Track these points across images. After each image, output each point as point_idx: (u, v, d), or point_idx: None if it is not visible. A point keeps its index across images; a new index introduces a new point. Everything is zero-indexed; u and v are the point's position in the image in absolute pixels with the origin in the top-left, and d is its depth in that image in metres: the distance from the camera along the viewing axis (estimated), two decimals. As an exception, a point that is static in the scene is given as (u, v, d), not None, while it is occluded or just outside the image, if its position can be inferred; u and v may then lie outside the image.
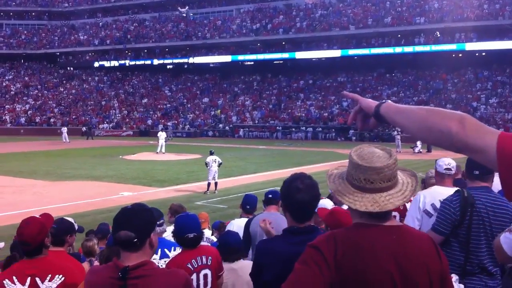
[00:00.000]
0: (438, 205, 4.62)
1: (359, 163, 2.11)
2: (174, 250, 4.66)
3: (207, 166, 20.83)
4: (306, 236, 3.03)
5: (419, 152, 37.06)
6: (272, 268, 3.08)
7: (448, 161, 5.15)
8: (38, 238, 3.81)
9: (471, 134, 1.63)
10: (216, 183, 20.77)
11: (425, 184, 6.52)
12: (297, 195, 3.10)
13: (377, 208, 2.07)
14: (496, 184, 4.21)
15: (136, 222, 2.67)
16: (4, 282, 3.73)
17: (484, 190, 4.22)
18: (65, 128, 52.53)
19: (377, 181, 2.10)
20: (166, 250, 4.61)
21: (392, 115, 1.94)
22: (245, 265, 4.96)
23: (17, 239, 3.88)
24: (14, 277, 3.75)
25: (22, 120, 63.39)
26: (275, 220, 5.56)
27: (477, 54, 53.77)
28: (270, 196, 5.80)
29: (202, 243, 4.59)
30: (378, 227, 2.10)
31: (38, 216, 4.04)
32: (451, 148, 1.70)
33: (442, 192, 4.86)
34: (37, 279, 3.72)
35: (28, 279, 3.74)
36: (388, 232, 2.09)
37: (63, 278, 3.75)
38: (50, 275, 3.72)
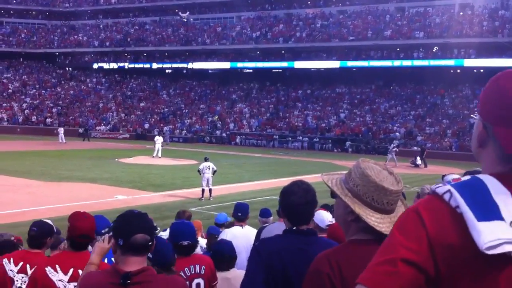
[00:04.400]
0: None
1: (385, 186, 2.15)
2: None
3: (199, 173, 20.79)
4: (306, 237, 3.07)
5: (418, 166, 37.15)
6: (279, 271, 3.05)
7: (453, 177, 5.19)
8: (93, 232, 3.99)
9: None
10: (210, 190, 20.72)
11: (420, 199, 6.56)
12: (291, 197, 3.13)
13: None
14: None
15: (147, 225, 2.74)
16: (47, 269, 3.84)
17: None
18: (62, 128, 52.33)
19: (395, 203, 2.16)
20: (113, 259, 4.52)
21: None
22: (238, 275, 4.96)
23: (76, 232, 3.91)
24: (57, 266, 3.85)
25: (19, 119, 63.24)
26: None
27: (475, 71, 53.90)
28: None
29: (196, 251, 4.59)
30: (376, 242, 2.13)
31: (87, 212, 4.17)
32: None
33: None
34: (80, 271, 3.78)
35: (71, 270, 3.85)
36: None
37: (85, 274, 3.84)
38: None
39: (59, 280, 3.82)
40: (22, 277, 4.36)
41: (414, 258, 1.36)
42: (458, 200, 1.36)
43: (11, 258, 4.47)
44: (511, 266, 1.31)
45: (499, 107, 1.43)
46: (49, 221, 4.74)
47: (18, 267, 4.40)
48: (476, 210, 1.33)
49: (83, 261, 3.75)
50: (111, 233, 3.60)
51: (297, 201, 3.12)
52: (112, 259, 4.38)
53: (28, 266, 4.35)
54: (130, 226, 2.71)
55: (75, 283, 3.79)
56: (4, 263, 4.44)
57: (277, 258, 3.01)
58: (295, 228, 3.15)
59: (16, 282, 4.39)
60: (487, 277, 1.33)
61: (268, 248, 3.13)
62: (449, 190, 1.40)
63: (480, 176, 1.42)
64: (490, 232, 1.29)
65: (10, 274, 4.40)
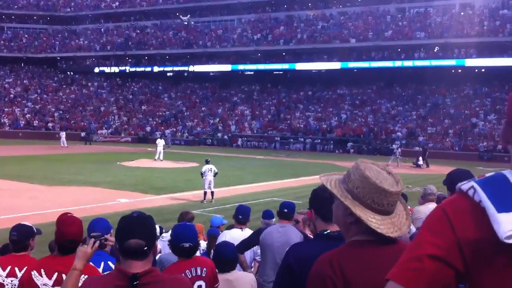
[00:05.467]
0: None
1: (385, 187, 2.14)
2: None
3: (202, 176, 20.80)
4: (335, 242, 3.06)
5: (420, 166, 37.09)
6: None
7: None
8: (81, 236, 3.99)
9: None
10: (212, 193, 20.74)
11: (424, 199, 6.54)
12: (324, 193, 3.14)
13: (398, 232, 2.14)
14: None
15: (144, 230, 2.71)
16: (32, 273, 3.85)
17: None
18: (64, 132, 52.42)
19: (395, 203, 2.16)
20: (109, 262, 4.41)
21: None
22: (240, 277, 4.98)
23: (62, 237, 3.92)
24: (42, 270, 3.86)
25: (21, 123, 63.32)
26: (285, 231, 5.63)
27: (476, 70, 53.93)
28: (286, 211, 5.88)
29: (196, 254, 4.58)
30: (377, 243, 2.13)
31: (74, 215, 4.15)
32: None
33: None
34: (63, 276, 3.77)
35: (55, 275, 3.84)
36: (386, 247, 2.12)
37: (86, 278, 3.84)
38: None
39: (43, 285, 3.82)
40: (12, 281, 4.35)
41: (440, 253, 1.40)
42: (481, 194, 1.41)
43: None
44: None
45: None
46: (27, 223, 4.75)
47: (7, 271, 4.39)
48: (496, 202, 1.38)
49: (68, 266, 3.76)
50: (99, 238, 3.61)
51: (328, 195, 3.15)
52: (109, 262, 4.37)
53: (16, 269, 4.35)
54: (124, 231, 2.70)
55: None
56: None
57: (306, 263, 3.03)
58: (325, 232, 3.16)
59: (6, 287, 4.38)
60: (510, 268, 1.37)
61: (296, 254, 3.13)
62: (472, 186, 1.45)
63: (504, 171, 1.47)
64: (509, 222, 1.33)
65: None
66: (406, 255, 1.47)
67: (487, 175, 1.49)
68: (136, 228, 2.69)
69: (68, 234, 3.91)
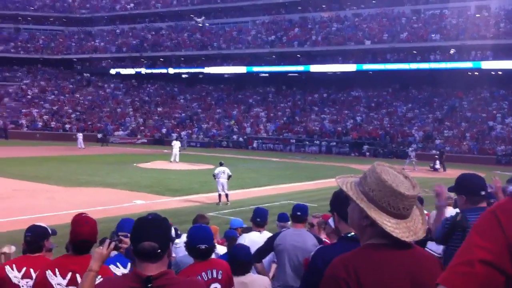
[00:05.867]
0: None
1: (401, 191, 2.14)
2: (125, 267, 4.47)
3: (215, 178, 20.80)
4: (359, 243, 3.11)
5: (437, 170, 36.76)
6: None
7: None
8: (95, 236, 4.04)
9: None
10: (227, 195, 20.69)
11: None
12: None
13: (414, 237, 2.14)
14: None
15: (158, 232, 2.72)
16: (47, 272, 3.90)
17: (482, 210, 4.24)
18: (81, 134, 52.76)
19: (411, 208, 2.17)
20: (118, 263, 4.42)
21: None
22: (255, 279, 4.99)
23: (76, 237, 3.97)
24: (56, 270, 3.91)
25: (39, 124, 63.82)
26: (299, 235, 5.63)
27: (493, 73, 53.45)
28: (299, 213, 5.87)
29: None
30: (392, 246, 2.13)
31: (89, 216, 4.19)
32: None
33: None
34: (77, 276, 3.84)
35: (69, 274, 3.89)
36: (401, 251, 2.13)
37: (101, 279, 3.87)
38: None
39: (58, 284, 3.86)
40: (27, 282, 4.39)
41: (491, 258, 1.38)
42: None
43: (13, 265, 4.50)
44: None
45: None
46: (42, 224, 4.80)
47: (22, 272, 4.43)
48: None
49: (82, 265, 3.77)
50: (115, 240, 3.65)
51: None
52: (117, 263, 4.41)
53: (32, 270, 4.38)
54: (138, 233, 2.72)
55: (73, 287, 3.83)
56: (7, 270, 4.45)
57: None
58: (350, 235, 3.17)
59: None
60: None
61: (324, 256, 3.14)
62: None
63: None
64: None
65: (15, 280, 4.41)
66: (456, 259, 1.44)
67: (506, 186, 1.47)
68: (150, 231, 2.71)
69: (81, 234, 3.95)
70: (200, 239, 4.33)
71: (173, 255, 4.98)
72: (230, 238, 7.69)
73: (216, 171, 20.92)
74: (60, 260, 4.07)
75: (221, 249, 7.47)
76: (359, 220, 2.24)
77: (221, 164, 21.50)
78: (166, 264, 2.79)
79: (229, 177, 20.81)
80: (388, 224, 2.12)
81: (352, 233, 3.16)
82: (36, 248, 4.55)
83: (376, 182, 2.18)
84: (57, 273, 3.87)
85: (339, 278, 2.10)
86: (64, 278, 3.87)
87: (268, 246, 5.64)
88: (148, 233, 2.69)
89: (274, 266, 6.62)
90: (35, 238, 4.56)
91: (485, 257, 1.37)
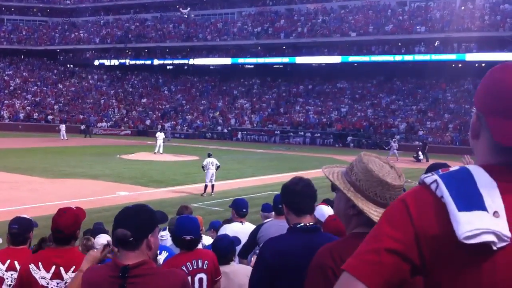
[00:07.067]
0: None
1: (388, 181, 2.15)
2: (160, 253, 4.61)
3: (203, 169, 20.81)
4: (310, 234, 3.12)
5: (420, 160, 36.93)
6: (286, 271, 3.06)
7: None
8: (72, 228, 3.92)
9: None
10: (213, 186, 20.76)
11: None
12: (294, 186, 3.24)
13: None
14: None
15: (133, 221, 2.71)
16: (30, 266, 3.85)
17: None
18: (64, 125, 52.44)
19: (397, 197, 2.16)
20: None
21: None
22: (237, 269, 4.97)
23: (52, 226, 3.93)
24: (39, 263, 3.85)
25: (21, 115, 63.28)
26: (283, 226, 5.61)
27: (476, 65, 53.82)
28: (280, 206, 5.84)
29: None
30: None
31: (74, 208, 4.13)
32: None
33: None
34: (61, 269, 3.81)
35: (53, 267, 3.84)
36: None
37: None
38: (74, 267, 3.78)
39: (42, 278, 3.82)
40: (12, 275, 4.33)
41: (398, 247, 1.37)
42: (443, 190, 1.38)
43: None
44: (492, 256, 1.31)
45: (490, 96, 1.49)
46: (26, 216, 4.73)
47: (6, 265, 4.36)
48: (458, 200, 1.34)
49: (66, 259, 3.77)
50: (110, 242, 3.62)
51: (299, 189, 3.22)
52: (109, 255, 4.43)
53: (16, 262, 4.32)
54: (115, 221, 2.74)
55: (58, 280, 3.81)
56: None
57: (282, 258, 3.03)
58: (299, 225, 3.16)
59: (6, 281, 4.36)
60: (469, 267, 1.34)
61: (272, 249, 3.15)
62: (435, 180, 1.41)
63: (469, 166, 1.43)
64: (468, 222, 1.30)
65: None
66: (364, 246, 1.43)
67: (451, 169, 1.45)
68: (125, 219, 2.72)
69: (57, 223, 3.89)
70: (186, 230, 4.32)
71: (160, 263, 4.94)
72: (216, 228, 7.67)
73: (204, 163, 20.90)
74: (43, 254, 4.02)
75: (207, 240, 7.45)
76: (345, 209, 2.24)
77: (209, 155, 21.48)
78: (146, 254, 2.76)
79: (217, 167, 20.86)
80: (375, 213, 2.12)
81: (301, 224, 3.16)
82: (22, 241, 4.49)
83: (363, 172, 2.18)
84: (41, 266, 3.82)
85: (326, 266, 2.11)
86: (48, 271, 3.82)
87: (252, 241, 5.62)
88: (123, 221, 2.71)
89: (255, 257, 6.59)
90: (21, 231, 4.50)
91: (391, 246, 1.37)
